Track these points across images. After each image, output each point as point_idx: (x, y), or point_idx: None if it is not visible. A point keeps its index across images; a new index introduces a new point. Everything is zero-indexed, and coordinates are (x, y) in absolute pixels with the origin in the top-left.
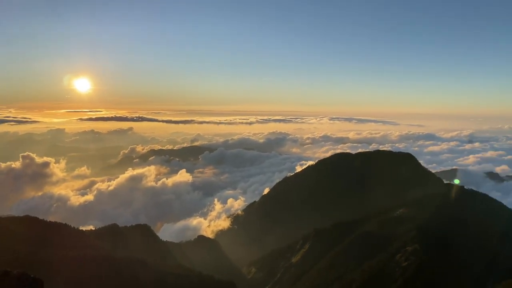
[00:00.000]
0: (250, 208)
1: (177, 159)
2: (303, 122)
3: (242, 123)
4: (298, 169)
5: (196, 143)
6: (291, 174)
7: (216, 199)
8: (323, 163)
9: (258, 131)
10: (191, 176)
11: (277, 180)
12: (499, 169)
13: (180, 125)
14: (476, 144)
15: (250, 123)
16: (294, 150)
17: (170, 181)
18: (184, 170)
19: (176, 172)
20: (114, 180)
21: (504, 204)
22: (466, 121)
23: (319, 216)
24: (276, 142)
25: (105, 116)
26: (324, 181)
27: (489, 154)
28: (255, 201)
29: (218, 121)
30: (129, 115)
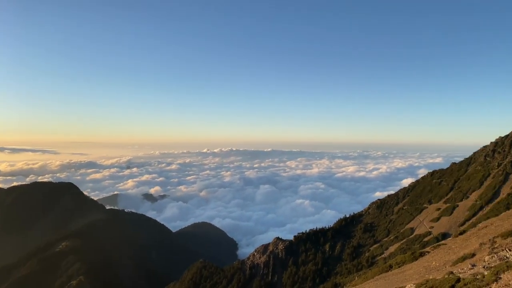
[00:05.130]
0: None
1: None
2: None
3: None
4: None
5: None
6: None
7: None
8: None
9: None
10: None
11: None
12: (153, 190)
13: None
14: (134, 169)
15: None
16: None
17: None
18: None
19: None
20: None
21: (158, 220)
22: (124, 148)
23: None
24: None
25: None
26: None
27: (145, 177)
28: None
29: None
30: None
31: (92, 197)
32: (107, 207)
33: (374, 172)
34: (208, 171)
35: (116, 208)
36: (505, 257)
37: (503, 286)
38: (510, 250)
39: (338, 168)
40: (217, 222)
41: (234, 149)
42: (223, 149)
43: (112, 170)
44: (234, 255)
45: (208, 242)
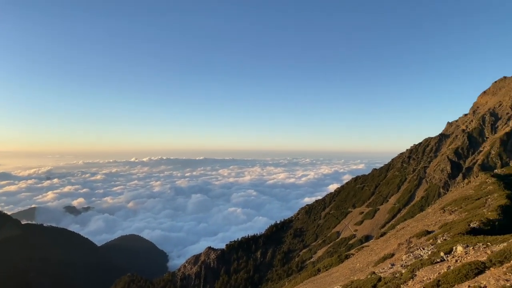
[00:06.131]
0: None
1: None
2: None
3: None
4: None
5: None
6: None
7: None
8: None
9: None
10: None
11: None
12: (76, 202)
13: None
14: (55, 180)
15: None
16: None
17: None
18: None
19: None
20: None
21: (82, 234)
22: (43, 158)
23: None
24: None
25: None
26: None
27: (67, 189)
28: None
29: None
30: None
31: (6, 212)
32: (23, 222)
33: (303, 179)
34: (136, 181)
35: (33, 222)
36: (419, 256)
37: (418, 282)
38: (423, 249)
39: (270, 175)
40: (146, 234)
41: (164, 158)
42: (152, 158)
43: (29, 181)
44: (164, 267)
45: (136, 255)
